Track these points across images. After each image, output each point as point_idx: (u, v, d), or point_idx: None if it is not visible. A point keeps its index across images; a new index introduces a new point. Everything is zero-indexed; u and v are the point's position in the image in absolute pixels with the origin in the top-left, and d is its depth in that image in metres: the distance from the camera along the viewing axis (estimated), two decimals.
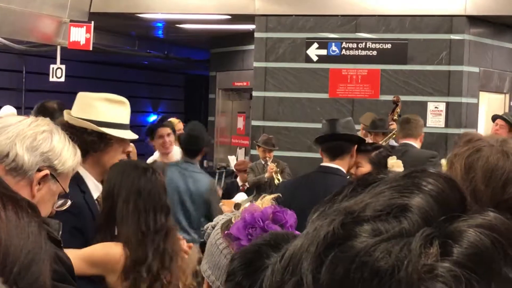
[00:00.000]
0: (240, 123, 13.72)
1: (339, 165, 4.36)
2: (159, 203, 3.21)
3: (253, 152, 10.65)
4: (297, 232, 1.76)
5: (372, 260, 0.65)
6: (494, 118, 7.94)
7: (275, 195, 1.82)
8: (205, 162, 13.49)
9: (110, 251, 3.09)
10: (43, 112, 5.33)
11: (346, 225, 0.69)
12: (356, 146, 4.40)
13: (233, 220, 1.78)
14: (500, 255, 0.66)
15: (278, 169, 8.34)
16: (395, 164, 4.27)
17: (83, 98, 3.53)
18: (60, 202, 2.34)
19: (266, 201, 1.77)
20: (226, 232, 1.77)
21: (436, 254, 0.65)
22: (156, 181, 3.25)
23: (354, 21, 10.13)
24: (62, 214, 2.38)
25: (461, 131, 9.61)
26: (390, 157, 4.33)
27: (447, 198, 0.71)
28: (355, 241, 0.67)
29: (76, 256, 2.78)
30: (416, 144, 6.78)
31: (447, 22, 9.79)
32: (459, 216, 0.69)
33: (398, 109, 7.72)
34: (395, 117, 7.71)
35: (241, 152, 12.90)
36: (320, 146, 4.50)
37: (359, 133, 7.10)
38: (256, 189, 8.15)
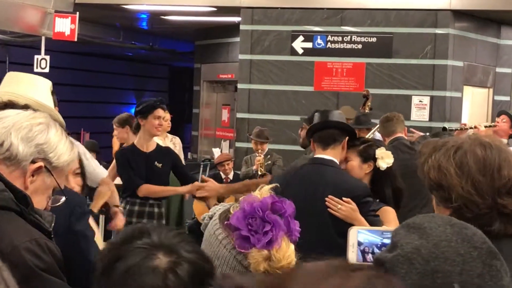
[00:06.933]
0: (225, 115, 13.72)
1: (332, 155, 4.26)
2: None
3: (238, 144, 10.67)
4: (295, 223, 1.79)
5: None
6: (500, 113, 8.05)
7: (273, 185, 1.84)
8: (189, 154, 13.50)
9: None
10: None
11: None
12: (347, 138, 4.30)
13: (231, 211, 1.79)
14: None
15: (264, 162, 8.35)
16: (384, 155, 4.27)
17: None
18: (54, 198, 2.34)
19: (264, 191, 1.78)
20: (225, 222, 1.78)
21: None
22: None
23: (339, 15, 10.16)
24: None
25: (445, 125, 9.67)
26: (379, 148, 4.32)
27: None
28: None
29: None
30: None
31: (432, 16, 9.84)
32: None
33: (368, 103, 7.74)
34: (366, 111, 7.72)
35: (225, 145, 12.90)
36: (312, 138, 4.37)
37: None
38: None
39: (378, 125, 7.60)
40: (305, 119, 6.13)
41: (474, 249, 1.44)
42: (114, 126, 7.91)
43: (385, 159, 4.22)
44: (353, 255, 2.88)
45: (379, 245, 3.16)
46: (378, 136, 7.86)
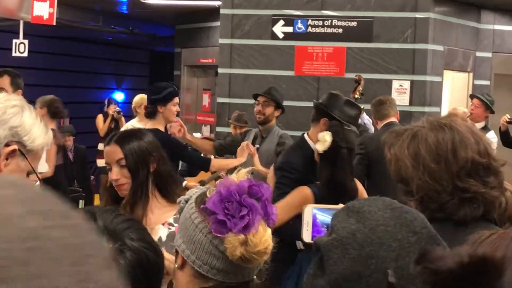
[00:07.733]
0: (206, 100, 13.67)
1: (310, 133, 4.81)
2: None
3: (218, 129, 10.64)
4: (272, 207, 1.77)
5: None
6: (471, 97, 8.15)
7: (250, 168, 1.82)
8: None
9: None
10: None
11: None
12: (325, 120, 4.65)
13: (208, 194, 1.77)
14: None
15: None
16: (324, 139, 4.23)
17: None
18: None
19: (241, 175, 1.76)
20: (201, 206, 1.76)
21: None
22: None
23: None
24: None
25: (425, 109, 9.70)
26: (324, 132, 4.31)
27: None
28: None
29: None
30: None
31: (412, 1, 9.83)
32: None
33: (360, 88, 7.73)
34: (356, 96, 7.71)
35: (206, 130, 12.87)
36: None
37: None
38: None
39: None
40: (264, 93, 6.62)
41: (413, 234, 1.38)
42: (36, 105, 7.77)
43: (323, 143, 4.20)
44: (307, 233, 2.85)
45: (330, 225, 3.13)
46: (366, 118, 7.87)
